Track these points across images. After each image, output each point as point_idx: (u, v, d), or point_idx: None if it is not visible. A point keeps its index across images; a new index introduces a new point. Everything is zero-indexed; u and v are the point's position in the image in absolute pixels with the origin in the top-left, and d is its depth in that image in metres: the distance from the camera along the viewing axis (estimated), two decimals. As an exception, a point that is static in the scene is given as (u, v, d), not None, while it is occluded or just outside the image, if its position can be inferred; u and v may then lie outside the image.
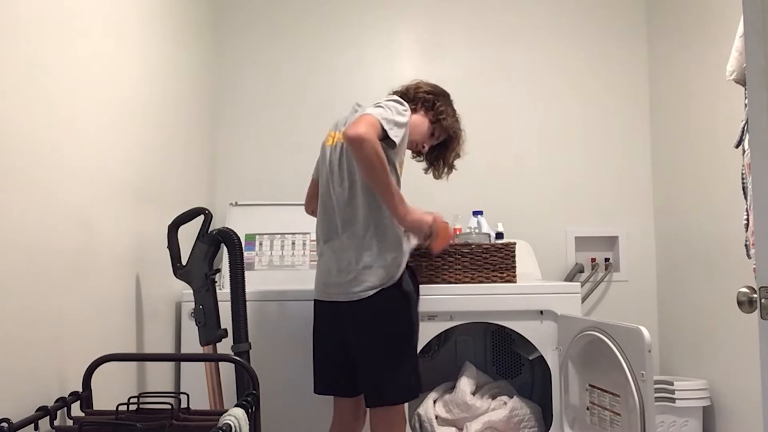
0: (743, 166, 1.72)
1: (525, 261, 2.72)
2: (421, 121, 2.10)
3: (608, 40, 3.14)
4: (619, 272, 3.05)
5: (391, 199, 1.83)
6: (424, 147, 2.16)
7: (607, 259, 3.06)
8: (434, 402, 2.49)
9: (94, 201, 1.68)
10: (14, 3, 1.33)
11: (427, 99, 2.10)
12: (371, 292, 1.86)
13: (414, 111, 2.06)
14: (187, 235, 2.02)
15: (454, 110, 2.16)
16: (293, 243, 2.62)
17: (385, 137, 1.79)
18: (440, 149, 2.21)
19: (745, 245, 1.74)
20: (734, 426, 2.45)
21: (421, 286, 2.36)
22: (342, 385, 1.99)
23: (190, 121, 2.61)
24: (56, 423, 1.37)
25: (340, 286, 1.90)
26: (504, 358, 2.85)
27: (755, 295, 1.18)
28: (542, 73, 3.12)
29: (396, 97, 1.95)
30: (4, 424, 1.20)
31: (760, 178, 1.18)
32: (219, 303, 1.96)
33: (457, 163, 3.02)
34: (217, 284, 1.99)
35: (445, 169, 2.25)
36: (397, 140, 1.81)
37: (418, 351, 2.33)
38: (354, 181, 1.90)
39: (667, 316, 2.97)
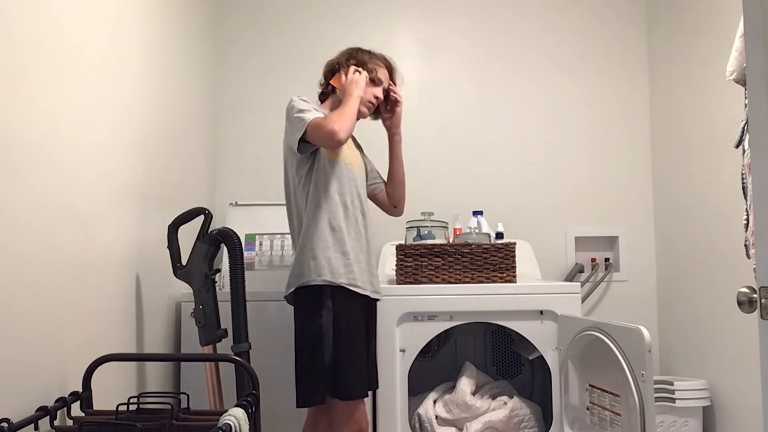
0: (743, 166, 1.71)
1: (525, 261, 2.72)
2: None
3: (608, 40, 3.14)
4: (619, 272, 3.05)
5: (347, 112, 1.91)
6: (376, 97, 2.10)
7: (607, 259, 3.06)
8: (434, 402, 2.49)
9: (95, 201, 1.68)
10: (14, 6, 1.33)
11: (335, 67, 2.11)
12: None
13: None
14: (187, 235, 2.02)
15: (364, 51, 2.13)
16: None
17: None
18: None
19: (745, 245, 1.74)
20: (734, 426, 2.45)
21: (421, 286, 2.38)
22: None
23: (190, 121, 2.61)
24: (56, 423, 1.37)
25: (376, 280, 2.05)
26: (504, 358, 2.85)
27: (755, 295, 1.18)
28: (542, 73, 3.11)
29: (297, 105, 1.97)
30: (4, 424, 1.20)
31: (760, 178, 1.18)
32: (219, 303, 1.96)
33: (457, 163, 3.05)
34: (217, 284, 1.99)
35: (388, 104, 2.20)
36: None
37: (419, 350, 2.36)
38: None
39: (667, 316, 2.97)
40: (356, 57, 2.10)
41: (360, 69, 2.06)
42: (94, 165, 1.69)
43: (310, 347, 1.88)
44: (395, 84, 2.19)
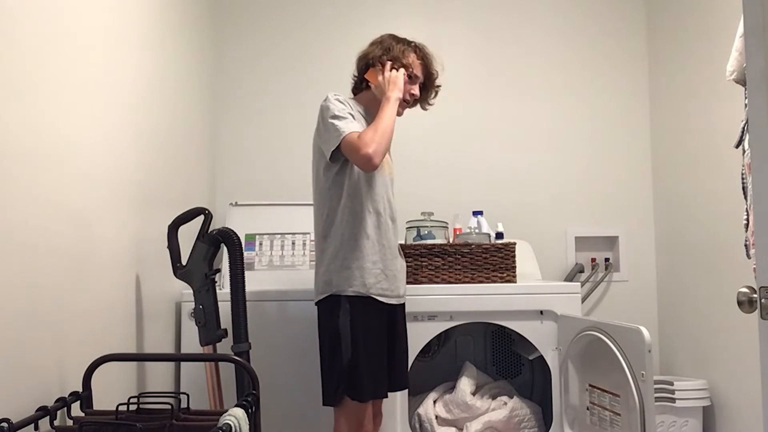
0: (743, 166, 1.71)
1: (525, 261, 2.72)
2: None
3: (608, 40, 3.14)
4: (619, 272, 3.05)
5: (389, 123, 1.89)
6: (412, 95, 2.05)
7: (607, 259, 3.06)
8: (434, 402, 2.49)
9: (94, 201, 1.68)
10: (12, 3, 1.33)
11: (370, 61, 2.02)
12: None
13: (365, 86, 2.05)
14: (187, 235, 2.02)
15: (398, 41, 2.05)
16: (293, 243, 2.61)
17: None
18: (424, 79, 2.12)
19: (745, 245, 1.74)
20: (734, 426, 2.45)
21: (421, 286, 2.39)
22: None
23: (190, 121, 2.61)
24: (56, 423, 1.37)
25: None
26: (504, 358, 2.85)
27: (755, 295, 1.18)
28: (542, 73, 3.12)
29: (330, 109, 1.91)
30: (4, 424, 1.20)
31: (760, 178, 1.18)
32: (219, 303, 1.96)
33: (457, 163, 3.05)
34: (217, 284, 1.99)
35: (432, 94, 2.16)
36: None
37: (419, 350, 2.36)
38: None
39: (667, 316, 2.97)
40: (392, 52, 2.00)
41: (396, 66, 1.98)
42: (94, 165, 1.69)
43: (332, 349, 1.89)
44: (436, 74, 2.12)
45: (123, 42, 1.90)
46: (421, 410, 2.46)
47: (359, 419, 1.90)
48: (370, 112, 2.00)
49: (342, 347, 1.86)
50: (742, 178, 1.74)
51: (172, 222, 2.00)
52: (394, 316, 2.00)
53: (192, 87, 2.64)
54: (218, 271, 1.99)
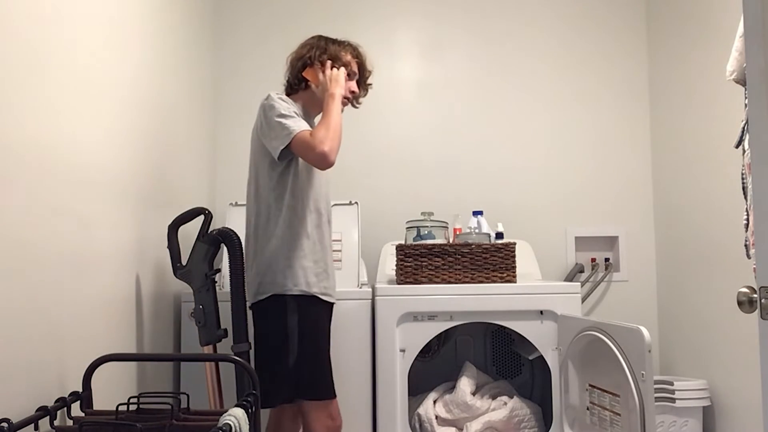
0: (743, 166, 1.71)
1: (525, 261, 2.72)
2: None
3: (608, 40, 3.14)
4: (619, 272, 3.05)
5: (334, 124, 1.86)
6: (352, 92, 2.07)
7: (607, 259, 3.06)
8: (434, 402, 2.49)
9: (94, 201, 1.68)
10: (13, 6, 1.33)
11: (308, 61, 2.02)
12: None
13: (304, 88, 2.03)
14: (187, 235, 2.02)
15: (333, 41, 2.07)
16: (293, 243, 2.61)
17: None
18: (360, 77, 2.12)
19: (745, 245, 1.74)
20: (734, 426, 2.45)
21: (421, 286, 2.39)
22: None
23: (190, 120, 2.61)
24: (56, 423, 1.37)
25: None
26: (504, 358, 2.85)
27: (755, 295, 1.18)
28: (542, 73, 3.12)
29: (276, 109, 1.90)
30: (4, 424, 1.20)
31: (760, 178, 1.18)
32: (219, 303, 1.96)
33: (457, 163, 3.05)
34: (217, 284, 1.99)
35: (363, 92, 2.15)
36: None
37: (419, 350, 2.36)
38: None
39: (667, 316, 2.97)
40: (329, 51, 2.02)
41: (336, 66, 2.00)
42: (94, 165, 1.69)
43: (277, 349, 1.87)
44: (367, 74, 2.12)
45: (122, 43, 1.90)
46: (421, 410, 2.46)
47: (332, 413, 1.92)
48: (308, 111, 2.03)
49: (290, 346, 1.85)
50: (742, 179, 1.74)
51: (172, 222, 2.00)
52: (331, 315, 2.01)
53: (192, 86, 2.64)
54: (218, 271, 1.99)
